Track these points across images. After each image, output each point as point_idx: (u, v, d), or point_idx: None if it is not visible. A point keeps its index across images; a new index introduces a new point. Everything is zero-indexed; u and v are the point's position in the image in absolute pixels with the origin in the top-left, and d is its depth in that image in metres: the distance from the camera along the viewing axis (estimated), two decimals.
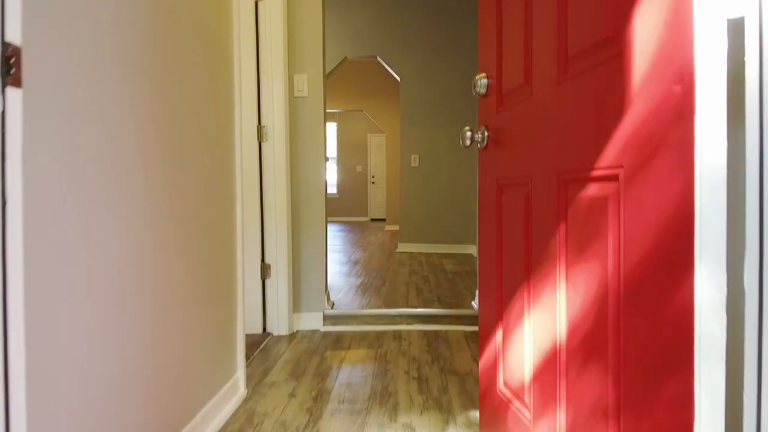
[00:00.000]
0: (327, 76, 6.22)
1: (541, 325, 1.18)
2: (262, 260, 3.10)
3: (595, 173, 0.95)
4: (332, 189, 14.19)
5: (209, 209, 1.81)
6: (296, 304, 3.23)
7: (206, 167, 1.78)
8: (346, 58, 6.22)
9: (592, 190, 0.97)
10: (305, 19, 3.17)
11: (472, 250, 6.16)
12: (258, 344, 2.89)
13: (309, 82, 3.20)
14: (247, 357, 2.67)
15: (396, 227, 10.23)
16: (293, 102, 3.20)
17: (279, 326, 3.11)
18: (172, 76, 1.49)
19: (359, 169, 13.99)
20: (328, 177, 14.11)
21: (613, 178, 0.90)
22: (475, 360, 2.57)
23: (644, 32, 0.81)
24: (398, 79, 6.27)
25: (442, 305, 3.40)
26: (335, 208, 14.04)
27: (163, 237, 1.43)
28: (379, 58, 6.22)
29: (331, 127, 14.13)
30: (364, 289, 3.94)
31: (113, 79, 1.18)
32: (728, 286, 0.67)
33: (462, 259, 5.62)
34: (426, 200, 6.22)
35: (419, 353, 2.67)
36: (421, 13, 6.14)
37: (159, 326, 1.41)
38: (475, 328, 3.09)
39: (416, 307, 3.31)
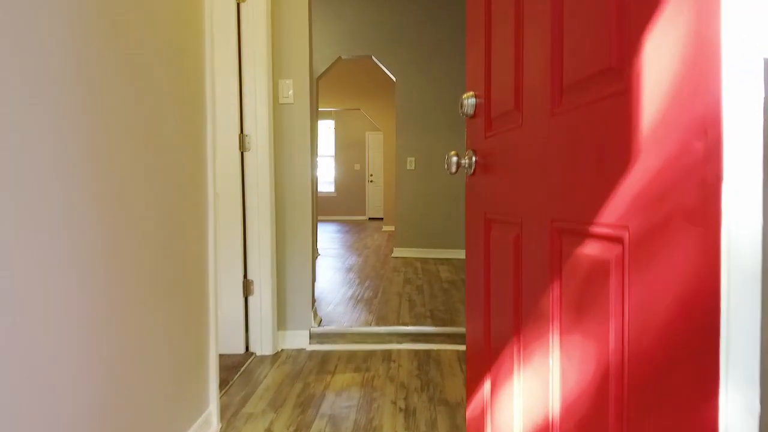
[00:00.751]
0: (321, 76, 6.06)
1: (531, 393, 1.03)
2: (245, 276, 2.95)
3: (595, 229, 0.79)
4: (330, 187, 14.04)
5: (170, 227, 1.65)
6: (281, 322, 3.08)
7: (169, 183, 1.62)
8: (340, 57, 6.05)
9: (591, 248, 0.81)
10: (291, 20, 3.01)
11: None
12: (239, 366, 2.73)
13: (295, 88, 3.03)
14: (227, 381, 2.52)
15: (393, 228, 10.07)
16: (278, 109, 3.04)
17: (263, 345, 2.95)
18: (123, 85, 1.33)
19: (357, 167, 13.82)
20: (326, 175, 13.95)
21: (617, 239, 0.74)
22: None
23: (657, 67, 0.65)
24: (394, 79, 6.10)
25: (435, 322, 3.25)
26: (333, 207, 13.89)
27: (111, 259, 1.27)
28: (374, 58, 6.05)
29: (329, 125, 13.96)
30: (355, 301, 3.79)
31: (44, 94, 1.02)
32: (763, 410, 0.51)
33: (458, 265, 5.47)
34: (422, 204, 6.06)
35: (408, 378, 2.52)
36: (416, 12, 5.97)
37: (107, 363, 1.25)
38: None
39: (408, 325, 3.16)
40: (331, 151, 14.05)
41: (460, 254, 6.04)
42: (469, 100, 1.40)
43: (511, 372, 1.14)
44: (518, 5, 1.10)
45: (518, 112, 1.10)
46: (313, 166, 3.34)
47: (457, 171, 1.40)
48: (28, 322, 0.99)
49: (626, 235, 0.71)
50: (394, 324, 3.22)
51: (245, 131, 2.91)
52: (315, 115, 3.08)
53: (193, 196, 1.84)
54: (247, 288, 2.94)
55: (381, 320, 3.29)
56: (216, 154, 2.89)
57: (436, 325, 3.18)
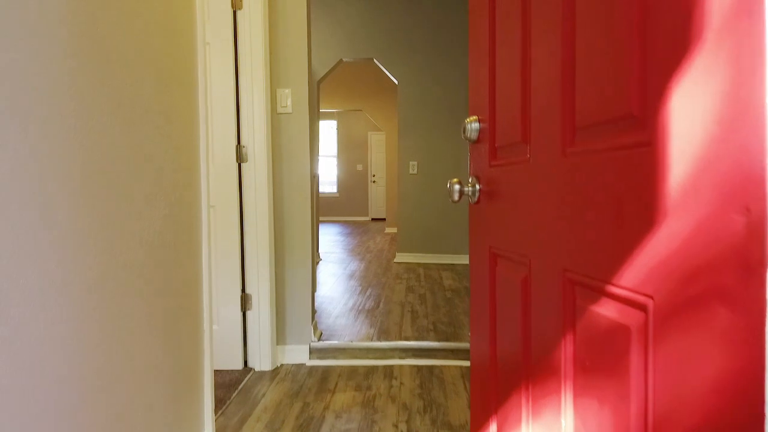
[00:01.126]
0: (322, 79, 5.99)
1: None
2: (243, 290, 2.88)
3: (614, 290, 0.72)
4: (332, 188, 13.97)
5: (161, 244, 1.58)
6: (280, 336, 3.01)
7: (159, 200, 1.55)
8: (341, 60, 5.97)
9: (608, 309, 0.74)
10: (289, 28, 2.93)
11: None
12: (237, 383, 2.67)
13: (293, 97, 2.96)
14: (224, 401, 2.46)
15: (396, 230, 10.00)
16: (276, 119, 2.96)
17: (261, 361, 2.89)
18: (108, 110, 1.26)
19: (360, 167, 13.75)
20: (328, 175, 13.88)
21: (639, 306, 0.66)
22: None
23: (687, 124, 0.57)
24: (396, 82, 6.02)
25: (438, 336, 3.17)
26: (335, 208, 13.82)
27: (95, 277, 1.20)
28: (375, 61, 5.97)
29: (331, 125, 13.88)
30: (356, 312, 3.72)
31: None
32: None
33: (462, 271, 5.39)
34: (425, 208, 5.99)
35: (411, 398, 2.45)
36: (418, 14, 5.89)
37: (87, 385, 1.18)
38: None
39: (409, 339, 3.09)
40: (334, 151, 13.97)
41: (463, 259, 5.96)
42: (472, 125, 1.32)
43: (519, 422, 1.07)
44: (525, 27, 1.02)
45: (526, 145, 1.02)
46: (313, 176, 3.27)
47: (460, 199, 1.33)
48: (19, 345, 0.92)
49: (650, 304, 0.64)
50: (396, 338, 3.15)
51: (242, 142, 2.84)
52: (315, 124, 3.00)
53: (186, 211, 1.77)
54: (245, 302, 2.88)
55: (383, 333, 3.22)
56: (212, 165, 2.83)
57: (439, 339, 3.10)
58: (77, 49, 1.15)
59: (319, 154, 13.78)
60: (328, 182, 14.06)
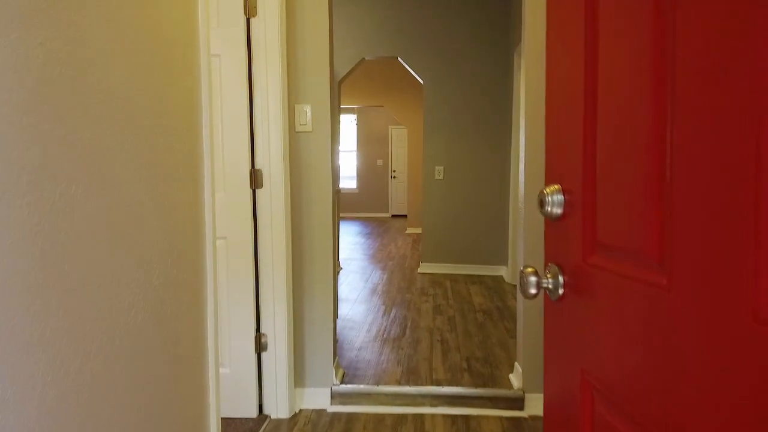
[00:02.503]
0: (343, 79, 5.66)
1: None
2: (257, 330, 2.59)
3: None
4: (351, 183, 13.67)
5: (158, 284, 1.28)
6: (299, 379, 2.72)
7: (154, 234, 1.25)
8: (363, 59, 5.64)
9: None
10: (308, 37, 2.61)
11: (503, 272, 5.59)
12: None
13: (314, 114, 2.64)
14: None
15: (418, 230, 9.68)
16: (295, 138, 2.65)
17: (278, 407, 2.61)
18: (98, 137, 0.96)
19: (380, 162, 13.42)
20: (348, 170, 13.58)
21: None
22: None
23: None
24: (421, 81, 5.67)
25: (473, 377, 2.86)
26: (354, 204, 13.53)
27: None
28: (400, 60, 5.62)
29: (351, 119, 13.56)
30: (381, 342, 3.42)
31: None
32: None
33: (492, 285, 5.06)
34: (451, 216, 5.65)
35: None
36: (446, 10, 5.51)
37: None
38: (515, 414, 2.55)
39: (441, 383, 2.78)
40: (353, 145, 13.65)
41: (492, 271, 5.62)
42: (553, 197, 0.99)
43: None
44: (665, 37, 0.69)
45: (661, 265, 0.70)
46: (335, 199, 2.96)
47: (536, 295, 1.00)
48: None
49: None
50: (426, 380, 2.84)
51: (257, 165, 2.54)
52: (336, 141, 2.70)
53: (188, 244, 1.47)
54: (260, 343, 2.59)
55: (411, 374, 2.91)
56: (224, 193, 2.53)
57: (474, 382, 2.79)
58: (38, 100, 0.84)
59: (341, 149, 13.48)
60: (348, 177, 13.76)
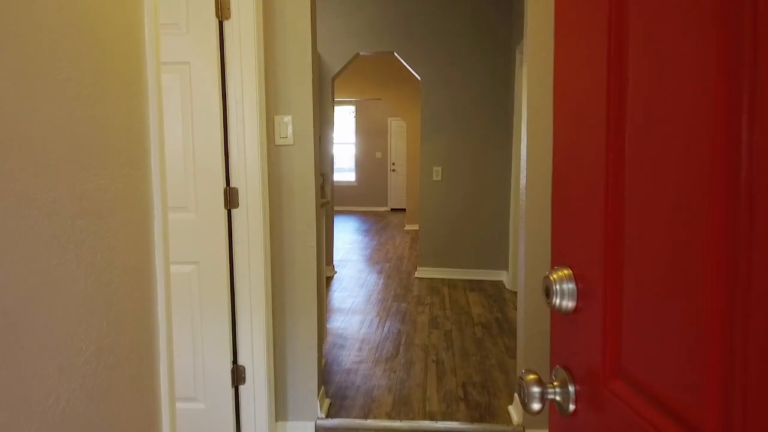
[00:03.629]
0: (337, 75, 5.41)
1: None
2: (234, 361, 2.38)
3: None
4: (350, 177, 13.43)
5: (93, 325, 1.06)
6: (281, 411, 2.52)
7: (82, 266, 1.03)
8: (358, 54, 5.38)
9: None
10: (289, 42, 2.37)
11: (503, 277, 5.37)
12: None
13: (295, 126, 2.42)
14: None
15: (417, 227, 9.46)
16: (275, 152, 2.43)
17: None
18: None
19: (378, 155, 13.17)
20: (346, 163, 13.34)
21: None
22: None
23: None
24: (418, 77, 5.42)
25: (470, 409, 2.65)
26: (353, 198, 13.30)
27: None
28: (396, 55, 5.37)
29: (349, 111, 13.29)
30: (372, 363, 3.22)
31: None
32: None
33: (492, 293, 4.85)
34: (450, 219, 5.43)
35: None
36: (445, 2, 5.24)
37: None
38: None
39: (435, 417, 2.57)
40: (351, 138, 13.39)
41: (492, 276, 5.41)
42: (562, 285, 0.77)
43: None
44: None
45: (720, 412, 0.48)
46: (321, 214, 2.74)
47: (541, 410, 0.79)
48: None
49: None
50: (418, 410, 2.63)
51: (232, 183, 2.32)
52: (318, 154, 2.48)
53: (131, 301, 1.25)
54: (237, 376, 2.38)
55: (404, 404, 2.71)
56: (196, 212, 2.31)
57: (471, 414, 2.59)
58: None
59: (337, 141, 13.20)
60: (346, 170, 13.51)
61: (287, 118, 2.40)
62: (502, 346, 3.48)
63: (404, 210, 12.75)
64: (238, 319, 2.37)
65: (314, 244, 2.46)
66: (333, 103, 5.48)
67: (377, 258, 6.66)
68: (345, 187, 13.34)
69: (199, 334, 2.34)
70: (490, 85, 5.26)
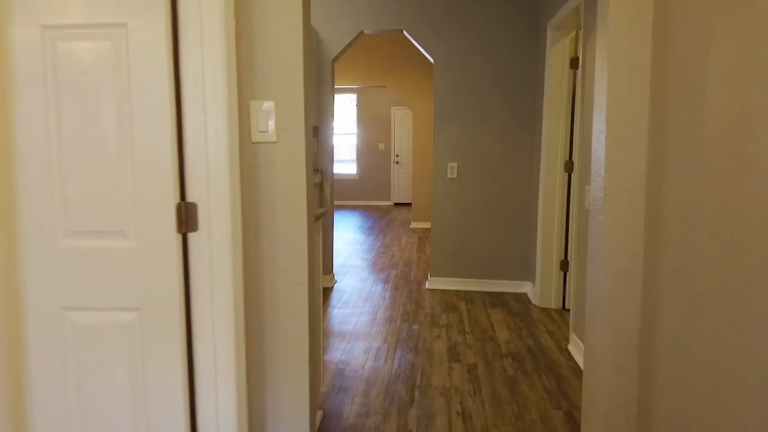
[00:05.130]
0: (337, 57, 4.70)
1: None
2: (193, 429, 1.72)
3: None
4: (351, 169, 12.73)
5: None
6: None
7: None
8: (362, 32, 4.67)
9: None
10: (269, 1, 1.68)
11: (527, 288, 4.70)
12: None
13: (279, 115, 1.73)
14: None
15: (424, 224, 8.78)
16: (250, 152, 1.75)
17: None
18: None
19: (382, 147, 12.46)
20: (347, 155, 12.65)
21: None
22: None
23: None
24: (431, 60, 4.71)
25: None
26: (354, 192, 12.61)
27: None
28: (406, 34, 4.66)
29: (350, 99, 12.56)
30: (381, 415, 2.55)
31: None
32: None
33: (517, 310, 4.18)
34: (466, 222, 4.74)
35: None
36: None
37: None
38: None
39: None
40: (353, 128, 12.67)
41: (515, 287, 4.74)
42: None
43: None
44: None
45: None
46: (312, 231, 2.07)
47: None
48: None
49: None
50: None
51: (189, 196, 1.64)
52: (313, 153, 1.77)
53: None
54: None
55: None
56: (136, 239, 1.63)
57: None
58: None
59: (338, 132, 12.45)
60: (347, 163, 12.81)
61: (268, 105, 1.72)
62: (542, 390, 2.81)
63: (409, 205, 12.07)
64: (199, 385, 1.70)
65: (305, 278, 1.78)
66: (333, 90, 4.78)
67: (382, 263, 5.98)
68: (346, 180, 12.64)
69: (142, 410, 1.67)
70: (515, 69, 4.56)
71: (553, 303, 4.29)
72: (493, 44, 4.55)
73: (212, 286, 1.66)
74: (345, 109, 12.70)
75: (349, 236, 7.91)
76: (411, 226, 8.85)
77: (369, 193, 12.57)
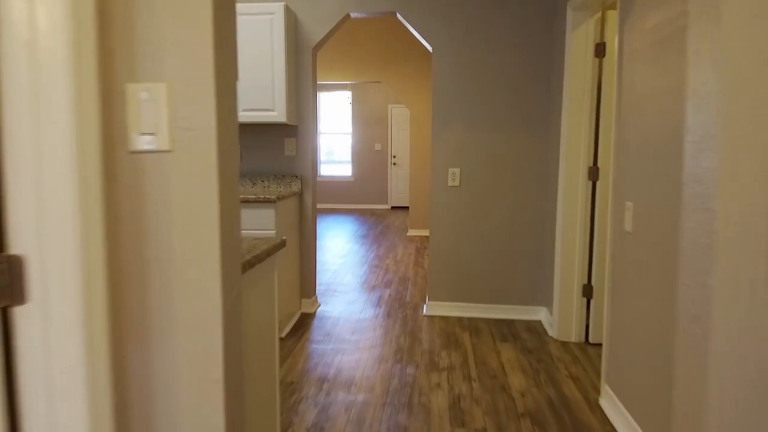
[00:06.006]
0: (319, 45, 4.03)
1: None
2: None
3: None
4: (345, 171, 12.05)
5: None
6: None
7: None
8: (348, 15, 3.99)
9: None
10: None
11: (542, 315, 4.03)
12: None
13: (176, 108, 1.05)
14: None
15: (422, 232, 8.10)
16: (129, 167, 1.06)
17: None
18: None
19: (378, 147, 11.79)
20: (341, 156, 11.98)
21: None
22: None
23: None
24: (429, 48, 4.03)
25: None
26: (349, 195, 11.93)
27: None
28: (399, 16, 3.98)
29: (345, 97, 11.89)
30: None
31: None
32: None
33: (531, 343, 3.50)
34: (470, 237, 4.07)
35: None
36: None
37: None
38: None
39: None
40: (348, 127, 11.99)
41: (527, 314, 4.06)
42: None
43: None
44: None
45: None
46: (253, 286, 1.39)
47: None
48: None
49: None
50: None
51: (12, 247, 0.96)
52: (232, 174, 1.05)
53: None
54: None
55: None
56: None
57: None
58: None
59: (332, 131, 11.66)
60: (342, 164, 12.13)
61: (154, 90, 1.03)
62: None
63: (407, 209, 11.39)
64: None
65: (220, 374, 1.09)
66: (314, 84, 4.09)
67: (375, 280, 5.30)
68: (340, 182, 11.97)
69: None
70: (528, 58, 3.88)
71: (574, 336, 3.61)
72: (502, 28, 3.87)
73: (54, 390, 0.98)
74: (339, 107, 12.02)
75: (340, 246, 7.23)
76: (408, 234, 8.17)
77: (365, 197, 11.89)
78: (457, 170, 4.02)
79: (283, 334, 3.68)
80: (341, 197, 11.96)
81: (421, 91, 7.61)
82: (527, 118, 3.92)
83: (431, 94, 6.57)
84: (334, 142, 12.19)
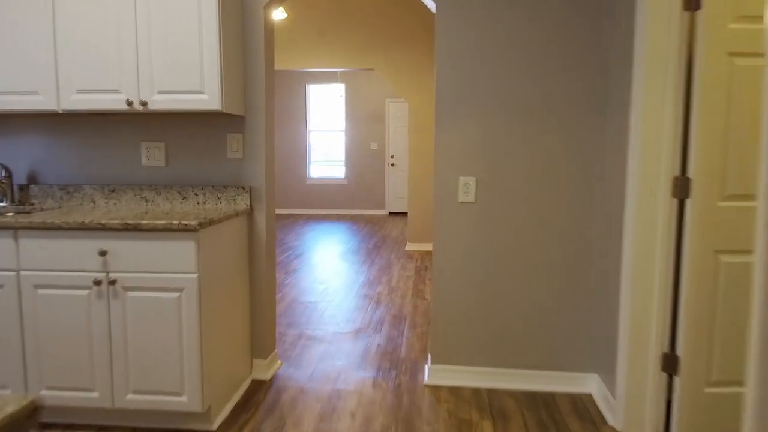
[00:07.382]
0: (275, 0, 2.84)
1: None
2: None
3: None
4: (339, 173, 10.86)
5: None
6: None
7: None
8: None
9: None
10: None
11: (592, 386, 2.83)
12: None
13: None
14: None
15: (423, 247, 6.90)
16: None
17: None
18: None
19: (374, 146, 10.59)
20: (334, 156, 10.79)
21: None
22: None
23: None
24: (431, 5, 2.84)
25: None
26: (342, 199, 10.73)
27: None
28: None
29: (338, 90, 10.69)
30: None
31: None
32: None
33: (584, 431, 2.32)
34: (491, 278, 2.87)
35: None
36: None
37: None
38: None
39: None
40: (341, 124, 10.79)
41: (569, 384, 2.86)
42: None
43: None
44: None
45: None
46: None
47: None
48: None
49: None
50: None
51: None
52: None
53: None
54: None
55: None
56: None
57: None
58: None
59: (323, 129, 10.41)
60: (334, 165, 10.92)
61: None
62: None
63: (406, 214, 10.21)
64: None
65: None
66: (270, 59, 2.90)
67: (361, 320, 4.10)
68: (332, 185, 10.77)
69: None
70: (575, 11, 2.68)
71: (648, 427, 2.41)
72: None
73: None
74: (331, 102, 10.83)
75: (323, 265, 6.04)
76: (406, 249, 6.97)
77: (360, 201, 10.69)
78: (471, 180, 2.82)
79: (215, 426, 2.48)
80: (333, 202, 10.76)
81: (422, 80, 6.41)
82: (573, 105, 2.72)
83: (434, 79, 5.39)
84: (326, 141, 11.00)
